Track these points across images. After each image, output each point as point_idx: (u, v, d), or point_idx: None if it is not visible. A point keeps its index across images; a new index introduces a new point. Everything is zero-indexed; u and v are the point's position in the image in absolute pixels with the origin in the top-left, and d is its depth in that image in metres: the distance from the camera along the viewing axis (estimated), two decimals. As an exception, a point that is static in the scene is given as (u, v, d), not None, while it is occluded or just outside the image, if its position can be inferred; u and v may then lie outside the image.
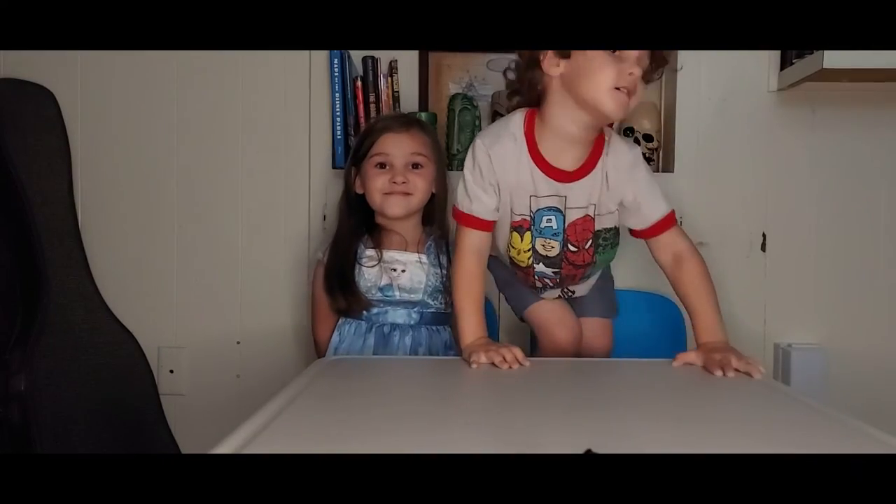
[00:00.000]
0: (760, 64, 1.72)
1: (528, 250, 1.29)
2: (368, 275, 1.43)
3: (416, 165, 1.43)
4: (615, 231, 1.30)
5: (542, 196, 1.23)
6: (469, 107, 1.71)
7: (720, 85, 1.73)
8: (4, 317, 1.59)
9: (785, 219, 1.74)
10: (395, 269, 1.43)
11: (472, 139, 1.69)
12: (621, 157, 1.22)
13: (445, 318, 1.46)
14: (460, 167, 1.69)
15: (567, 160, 1.20)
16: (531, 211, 1.24)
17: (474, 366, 1.10)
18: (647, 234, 1.25)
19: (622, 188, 1.23)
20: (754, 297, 1.74)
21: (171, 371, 1.80)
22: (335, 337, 1.46)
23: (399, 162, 1.42)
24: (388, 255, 1.44)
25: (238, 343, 1.80)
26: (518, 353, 1.12)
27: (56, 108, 1.75)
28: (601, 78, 1.11)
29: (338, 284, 1.43)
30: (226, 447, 0.70)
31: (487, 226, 1.25)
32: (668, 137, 1.76)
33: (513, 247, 1.30)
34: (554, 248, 1.27)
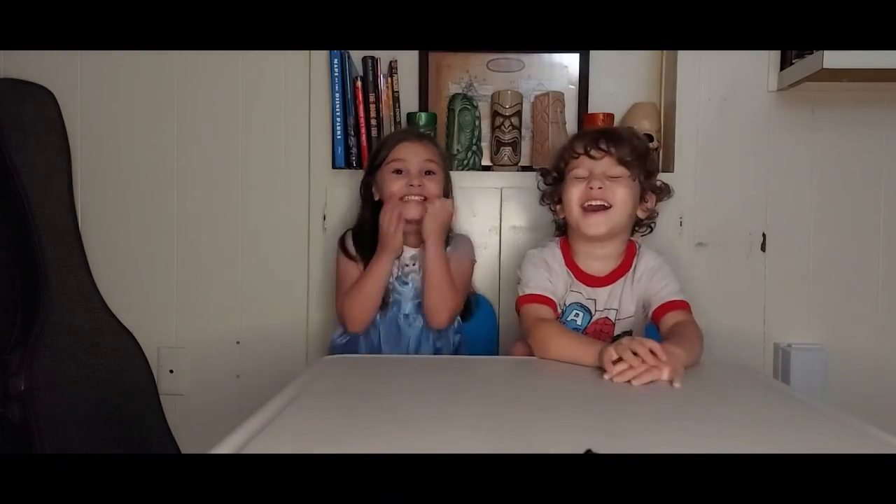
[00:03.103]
0: (760, 64, 1.72)
1: None
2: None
3: (429, 172, 1.48)
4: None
5: (573, 292, 1.33)
6: (469, 107, 1.71)
7: (720, 85, 1.73)
8: (4, 317, 1.59)
9: (785, 219, 1.74)
10: (407, 265, 1.49)
11: (472, 139, 1.71)
12: (648, 263, 1.32)
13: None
14: (460, 167, 1.70)
15: (597, 268, 1.33)
16: (564, 304, 1.33)
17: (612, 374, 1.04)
18: (655, 315, 1.29)
19: (643, 290, 1.32)
20: (754, 297, 1.74)
21: (171, 371, 1.80)
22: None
23: (414, 168, 1.47)
24: (407, 251, 1.49)
25: (238, 343, 1.80)
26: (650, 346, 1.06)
27: (56, 108, 1.75)
28: (570, 199, 1.28)
29: (368, 248, 1.46)
30: (225, 447, 0.70)
31: (551, 302, 1.29)
32: (668, 137, 1.76)
33: None
34: None
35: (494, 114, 1.73)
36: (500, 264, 1.73)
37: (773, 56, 1.72)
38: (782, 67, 1.71)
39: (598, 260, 1.33)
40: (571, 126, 1.76)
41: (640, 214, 1.35)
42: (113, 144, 1.80)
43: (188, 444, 1.78)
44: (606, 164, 1.28)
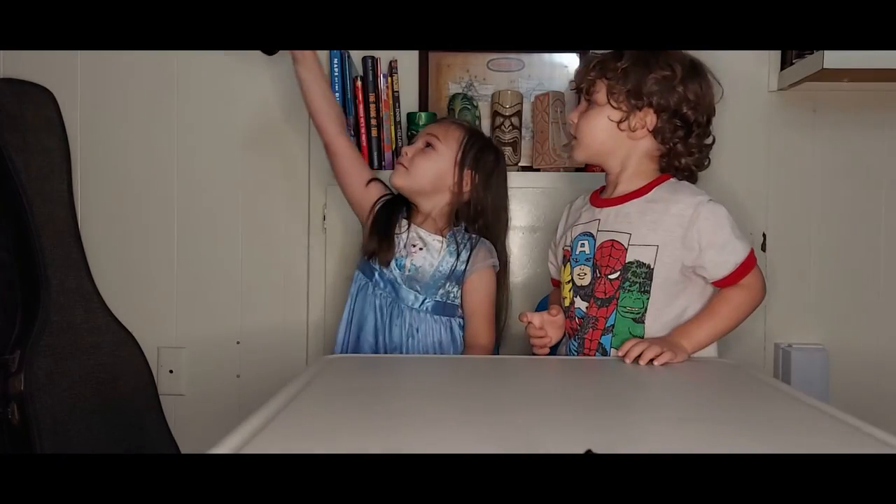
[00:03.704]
0: (760, 64, 1.72)
1: (569, 282, 1.32)
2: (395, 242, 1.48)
3: (428, 145, 1.46)
4: (648, 272, 1.23)
5: (580, 223, 1.32)
6: (469, 107, 1.71)
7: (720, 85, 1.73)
8: (4, 317, 1.59)
9: (785, 219, 1.74)
10: (415, 245, 1.46)
11: (472, 139, 1.71)
12: (676, 208, 1.24)
13: (453, 309, 1.47)
14: (460, 167, 1.70)
15: (608, 192, 1.33)
16: (571, 239, 1.33)
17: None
18: (715, 286, 1.27)
19: (674, 238, 1.22)
20: (754, 297, 1.74)
21: (171, 371, 1.80)
22: (353, 288, 1.51)
23: (419, 139, 1.48)
24: (416, 229, 1.47)
25: (238, 343, 1.80)
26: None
27: (56, 108, 1.75)
28: None
29: (376, 228, 1.48)
30: (225, 447, 0.70)
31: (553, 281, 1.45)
32: (668, 137, 1.76)
33: (563, 284, 1.35)
34: (586, 276, 1.28)
35: (494, 114, 1.73)
36: (501, 264, 1.72)
37: (773, 56, 1.72)
38: (782, 67, 1.71)
39: (611, 185, 1.32)
40: (571, 126, 1.76)
41: (634, 137, 1.26)
42: (113, 144, 1.80)
43: (188, 444, 1.78)
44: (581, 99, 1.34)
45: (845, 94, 1.71)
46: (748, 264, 1.23)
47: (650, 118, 1.25)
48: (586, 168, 1.71)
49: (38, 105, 1.72)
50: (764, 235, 1.74)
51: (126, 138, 1.80)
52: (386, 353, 1.44)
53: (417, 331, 1.44)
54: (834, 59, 1.47)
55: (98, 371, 1.67)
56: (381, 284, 1.46)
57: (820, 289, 1.75)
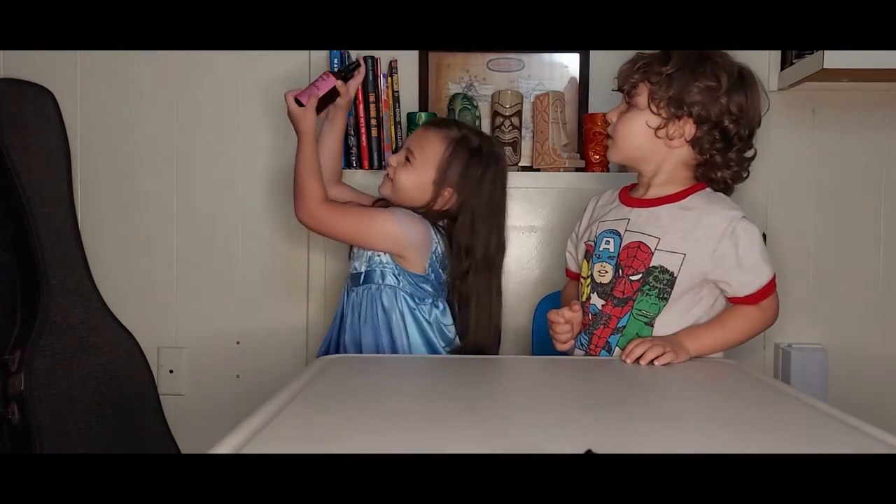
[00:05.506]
0: (760, 64, 1.72)
1: (587, 277, 1.30)
2: None
3: (407, 159, 1.43)
4: (670, 280, 1.21)
5: (608, 220, 1.30)
6: (469, 107, 1.71)
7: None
8: (4, 317, 1.59)
9: (784, 218, 1.74)
10: None
11: (472, 139, 1.70)
12: (710, 220, 1.22)
13: (383, 274, 1.42)
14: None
15: (640, 192, 1.31)
16: (595, 235, 1.31)
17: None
18: (732, 301, 1.26)
19: (704, 249, 1.21)
20: (754, 297, 1.74)
21: (171, 371, 1.80)
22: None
23: (403, 151, 1.46)
24: None
25: (238, 343, 1.80)
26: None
27: (56, 108, 1.75)
28: None
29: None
30: (225, 447, 0.70)
31: (573, 275, 1.40)
32: (668, 137, 1.76)
33: (582, 279, 1.33)
34: (608, 274, 1.26)
35: (494, 114, 1.73)
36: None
37: (773, 56, 1.72)
38: (782, 67, 1.71)
39: (643, 186, 1.30)
40: (571, 126, 1.76)
41: (671, 146, 1.23)
42: (113, 144, 1.80)
43: (188, 444, 1.78)
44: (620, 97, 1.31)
45: (845, 95, 1.71)
46: (770, 288, 1.24)
47: (689, 128, 1.22)
48: (586, 168, 1.71)
49: (38, 105, 1.72)
50: (764, 235, 1.73)
51: (126, 138, 1.80)
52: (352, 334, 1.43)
53: (361, 305, 1.41)
54: (834, 59, 1.47)
55: (98, 371, 1.67)
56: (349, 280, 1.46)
57: (819, 289, 1.75)
